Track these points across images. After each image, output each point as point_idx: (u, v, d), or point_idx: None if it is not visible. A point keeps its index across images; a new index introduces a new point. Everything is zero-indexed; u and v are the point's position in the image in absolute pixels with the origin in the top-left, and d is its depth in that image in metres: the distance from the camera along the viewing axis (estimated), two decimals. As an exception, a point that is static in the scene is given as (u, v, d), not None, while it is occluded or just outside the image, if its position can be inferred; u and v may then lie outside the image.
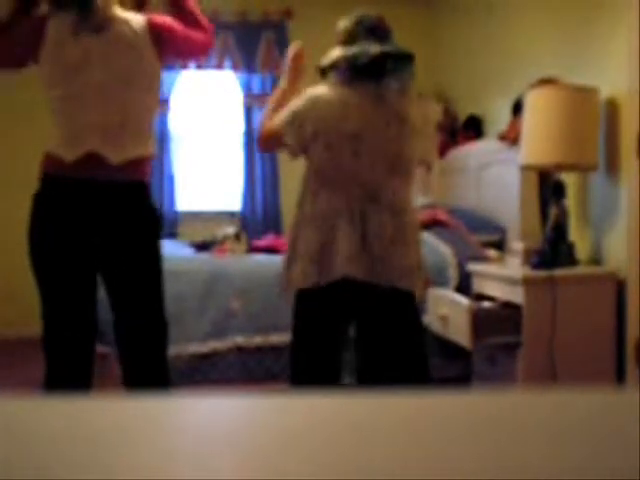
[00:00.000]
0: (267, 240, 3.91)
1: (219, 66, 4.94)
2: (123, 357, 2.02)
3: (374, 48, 1.92)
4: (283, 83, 2.12)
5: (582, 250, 3.02)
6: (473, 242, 3.44)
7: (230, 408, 0.41)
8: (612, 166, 2.89)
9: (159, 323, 2.04)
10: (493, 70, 4.16)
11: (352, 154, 1.91)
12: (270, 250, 3.69)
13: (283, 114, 1.97)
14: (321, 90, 1.95)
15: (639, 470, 0.31)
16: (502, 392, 0.44)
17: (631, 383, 2.69)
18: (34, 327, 4.79)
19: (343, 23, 2.04)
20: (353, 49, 1.94)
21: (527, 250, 2.89)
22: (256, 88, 5.04)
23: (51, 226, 1.89)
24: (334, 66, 1.96)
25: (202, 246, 3.79)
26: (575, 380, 2.66)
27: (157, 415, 0.40)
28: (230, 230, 3.73)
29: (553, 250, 2.79)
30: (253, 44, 4.99)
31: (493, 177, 3.69)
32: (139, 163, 1.96)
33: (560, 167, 2.86)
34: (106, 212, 1.92)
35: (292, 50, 2.14)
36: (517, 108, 3.37)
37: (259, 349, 3.09)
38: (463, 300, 2.82)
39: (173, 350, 2.76)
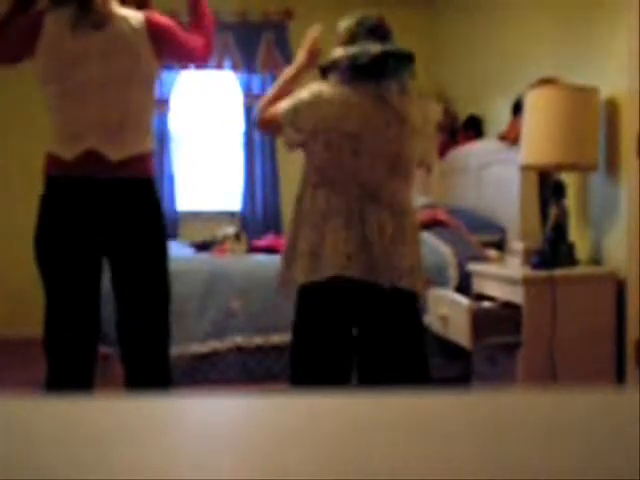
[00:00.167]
0: (267, 240, 3.91)
1: (219, 66, 4.94)
2: (125, 355, 2.02)
3: (375, 48, 1.92)
4: (295, 65, 2.09)
5: (582, 250, 3.02)
6: (473, 242, 3.44)
7: (230, 408, 0.41)
8: (612, 166, 2.89)
9: (163, 319, 2.03)
10: (493, 70, 4.16)
11: (352, 153, 1.91)
12: (270, 250, 3.69)
13: (286, 104, 1.96)
14: (324, 87, 1.95)
15: (639, 470, 0.31)
16: (502, 392, 0.44)
17: (631, 383, 2.69)
18: (34, 327, 4.79)
19: (344, 24, 2.04)
20: (354, 49, 1.94)
21: (527, 250, 2.89)
22: (256, 88, 5.04)
23: (57, 226, 1.90)
24: (335, 66, 1.96)
25: (202, 246, 3.79)
26: (575, 380, 2.66)
27: (157, 415, 0.40)
28: (230, 230, 3.73)
29: (553, 250, 2.79)
30: (253, 44, 4.99)
31: (493, 177, 3.69)
32: (139, 160, 1.96)
33: (560, 167, 2.86)
34: (109, 209, 1.91)
35: (312, 33, 2.11)
36: (517, 108, 3.37)
37: (259, 349, 3.09)
38: (463, 300, 2.82)
39: (173, 350, 2.76)
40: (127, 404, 0.41)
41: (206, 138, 5.18)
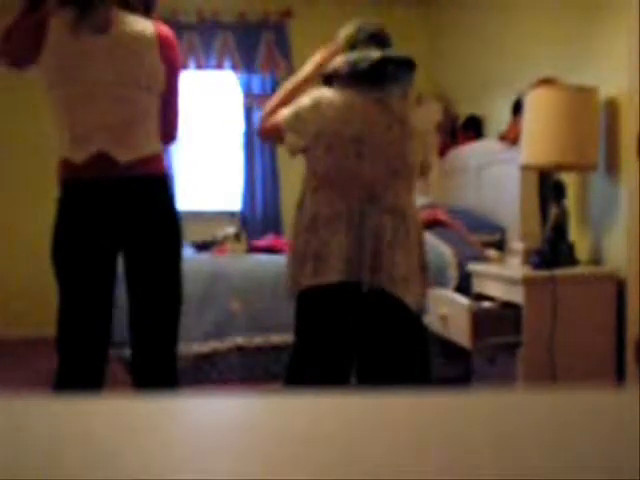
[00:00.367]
0: (267, 240, 3.91)
1: (219, 66, 4.94)
2: (136, 353, 2.02)
3: (375, 54, 1.94)
4: (302, 76, 2.07)
5: (582, 250, 3.02)
6: (473, 242, 3.45)
7: (230, 408, 0.41)
8: (612, 166, 2.89)
9: (175, 318, 2.03)
10: (493, 70, 4.16)
11: (354, 157, 1.91)
12: (270, 250, 3.69)
13: (288, 111, 1.97)
14: (325, 92, 1.96)
15: (639, 470, 0.31)
16: (502, 392, 0.44)
17: (631, 383, 2.69)
18: (34, 327, 4.80)
19: (344, 31, 2.05)
20: (354, 55, 1.95)
21: (527, 250, 2.90)
22: (256, 88, 5.04)
23: (74, 229, 1.91)
24: (336, 74, 1.97)
25: (202, 246, 3.79)
26: (575, 380, 2.66)
27: (157, 415, 0.40)
28: (230, 230, 3.73)
29: (553, 250, 2.79)
30: (253, 44, 4.99)
31: (493, 177, 3.69)
32: (148, 161, 1.96)
33: (560, 167, 2.86)
34: (123, 207, 1.92)
35: (334, 44, 2.08)
36: (517, 108, 3.37)
37: (259, 349, 3.09)
38: (463, 300, 2.82)
39: (173, 350, 2.76)
40: (125, 404, 0.42)
41: (206, 138, 5.18)
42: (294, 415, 0.39)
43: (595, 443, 0.34)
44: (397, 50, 2.07)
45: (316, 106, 1.92)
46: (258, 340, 3.08)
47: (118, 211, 1.92)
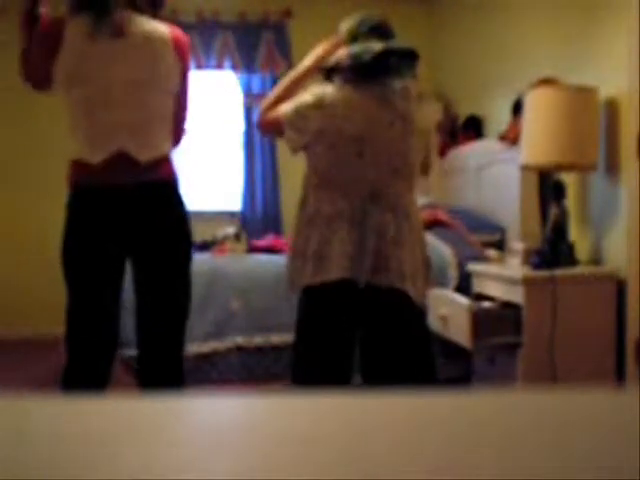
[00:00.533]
0: (267, 240, 3.91)
1: (219, 66, 4.94)
2: (144, 355, 2.03)
3: (377, 45, 1.91)
4: (302, 69, 2.05)
5: (582, 250, 3.02)
6: (473, 242, 3.45)
7: (230, 408, 0.41)
8: (612, 166, 2.89)
9: (183, 322, 2.04)
10: (493, 70, 4.16)
11: (356, 155, 1.90)
12: (270, 250, 3.69)
13: (288, 107, 1.95)
14: (327, 89, 1.94)
15: (639, 470, 0.31)
16: (502, 392, 0.44)
17: (631, 383, 2.69)
18: (34, 327, 4.79)
19: (345, 25, 2.03)
20: (356, 47, 1.92)
21: (527, 250, 2.90)
22: (256, 88, 5.04)
23: (85, 233, 1.91)
24: (338, 67, 1.95)
25: (202, 246, 3.79)
26: (575, 380, 2.66)
27: (157, 415, 0.40)
28: (230, 230, 3.73)
29: (553, 250, 2.79)
30: (253, 44, 4.99)
31: (493, 177, 3.69)
32: (164, 161, 1.97)
33: (560, 167, 2.86)
34: (136, 212, 1.92)
35: (336, 37, 2.06)
36: (517, 108, 3.37)
37: (259, 349, 3.09)
38: (463, 300, 2.82)
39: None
40: (125, 404, 0.42)
41: (206, 138, 5.18)
42: (294, 415, 0.39)
43: (595, 443, 0.34)
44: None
45: (317, 103, 1.91)
46: (258, 340, 3.08)
47: (131, 216, 1.92)
